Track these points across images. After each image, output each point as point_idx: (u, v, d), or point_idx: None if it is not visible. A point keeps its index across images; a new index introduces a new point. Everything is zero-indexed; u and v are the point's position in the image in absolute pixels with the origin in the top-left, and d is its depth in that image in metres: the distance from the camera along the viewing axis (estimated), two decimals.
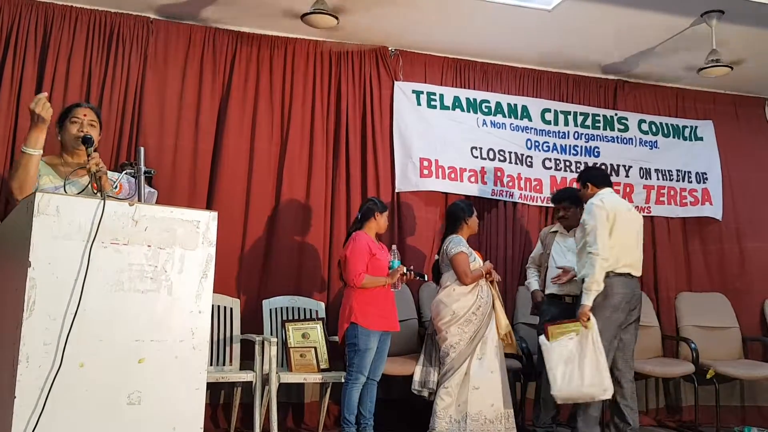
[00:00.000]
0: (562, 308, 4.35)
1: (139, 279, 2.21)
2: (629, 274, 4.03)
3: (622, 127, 5.74)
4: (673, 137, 5.84)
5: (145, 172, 2.54)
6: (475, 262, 4.27)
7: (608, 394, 3.79)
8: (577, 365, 3.79)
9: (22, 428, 1.97)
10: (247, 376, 4.12)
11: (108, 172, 2.84)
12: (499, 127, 5.43)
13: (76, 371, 2.07)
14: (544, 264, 4.65)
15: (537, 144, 5.50)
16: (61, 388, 2.03)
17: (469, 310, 4.14)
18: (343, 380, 4.09)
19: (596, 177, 4.33)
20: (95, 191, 2.53)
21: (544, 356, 3.94)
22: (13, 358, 2.01)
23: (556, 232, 4.66)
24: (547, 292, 4.54)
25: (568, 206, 4.55)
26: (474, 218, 4.43)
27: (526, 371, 4.64)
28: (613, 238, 3.97)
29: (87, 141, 2.73)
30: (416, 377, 4.25)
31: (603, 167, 5.57)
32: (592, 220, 3.99)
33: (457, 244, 4.25)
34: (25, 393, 1.99)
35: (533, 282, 4.73)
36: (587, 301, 3.87)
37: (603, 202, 4.03)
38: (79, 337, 2.08)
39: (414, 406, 4.35)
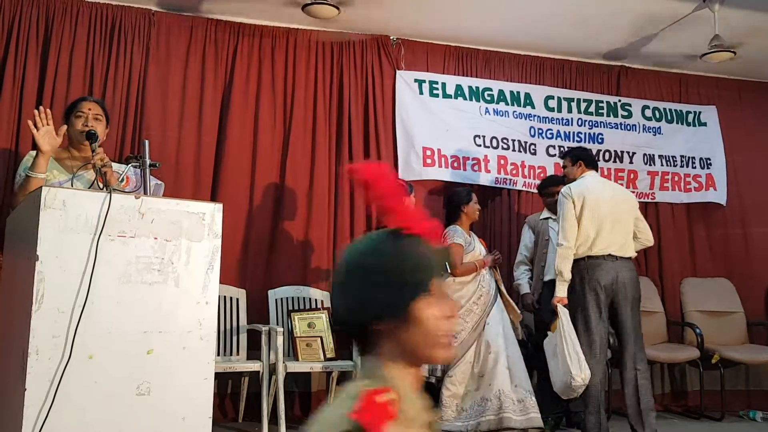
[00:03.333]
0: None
1: (147, 271, 2.23)
2: (610, 255, 3.99)
3: (625, 113, 5.72)
4: (677, 123, 5.82)
5: (150, 165, 2.55)
6: (475, 250, 4.27)
7: (580, 381, 3.72)
8: (559, 358, 3.82)
9: (33, 419, 2.00)
10: (254, 366, 4.14)
11: (113, 164, 2.86)
12: (502, 115, 5.41)
13: (86, 363, 2.10)
14: (541, 252, 4.60)
15: (540, 131, 5.49)
16: (70, 380, 2.06)
17: (469, 300, 4.16)
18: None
19: (589, 157, 4.30)
20: (101, 186, 2.55)
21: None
22: (24, 351, 2.04)
23: (548, 218, 4.64)
24: (548, 278, 4.49)
25: None
26: (472, 206, 4.41)
27: (532, 359, 4.65)
28: (583, 223, 3.95)
29: (91, 137, 2.74)
30: None
31: (607, 154, 5.58)
32: (560, 209, 4.03)
33: (452, 235, 4.25)
34: (35, 384, 2.02)
35: (524, 284, 4.66)
36: (558, 292, 3.91)
37: (570, 190, 4.03)
38: (87, 329, 2.10)
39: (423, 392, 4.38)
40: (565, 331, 3.82)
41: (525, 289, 4.63)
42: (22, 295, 2.12)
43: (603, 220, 3.98)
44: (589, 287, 3.93)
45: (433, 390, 4.25)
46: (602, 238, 3.97)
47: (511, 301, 4.32)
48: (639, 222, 4.17)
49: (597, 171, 4.30)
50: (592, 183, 4.13)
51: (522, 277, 4.69)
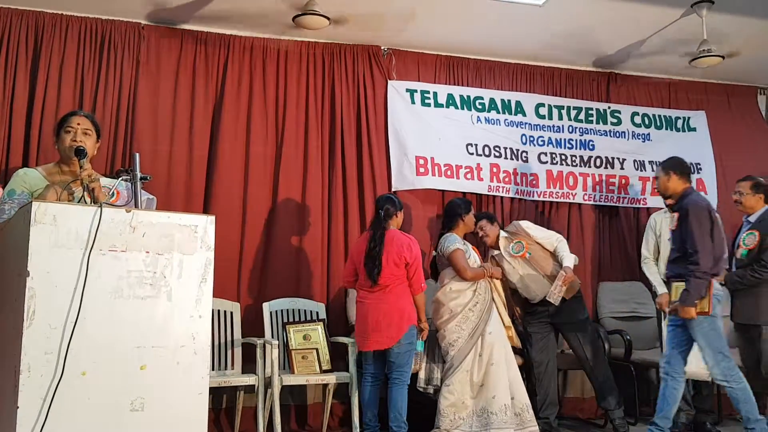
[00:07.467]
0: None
1: (139, 285, 2.21)
2: None
3: (615, 120, 5.75)
4: (666, 129, 5.86)
5: (141, 178, 2.53)
6: (470, 258, 4.28)
7: None
8: None
9: None
10: (249, 380, 4.11)
11: (102, 177, 2.82)
12: (494, 123, 5.43)
13: (78, 379, 2.07)
14: None
15: (532, 139, 5.51)
16: (63, 397, 2.03)
17: (465, 307, 4.15)
18: (349, 380, 4.09)
19: None
20: (88, 201, 2.52)
21: None
22: (15, 368, 2.01)
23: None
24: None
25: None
26: (471, 216, 4.45)
27: (528, 366, 4.64)
28: None
29: (79, 153, 2.71)
30: (421, 375, 4.26)
31: (598, 160, 5.60)
32: None
33: (453, 242, 4.26)
34: (27, 402, 1.99)
35: None
36: None
37: None
38: (79, 345, 2.08)
39: (419, 404, 4.35)
40: None
41: None
42: (14, 312, 2.10)
43: None
44: None
45: (430, 400, 4.23)
46: None
47: (504, 313, 4.31)
48: None
49: None
50: None
51: None
